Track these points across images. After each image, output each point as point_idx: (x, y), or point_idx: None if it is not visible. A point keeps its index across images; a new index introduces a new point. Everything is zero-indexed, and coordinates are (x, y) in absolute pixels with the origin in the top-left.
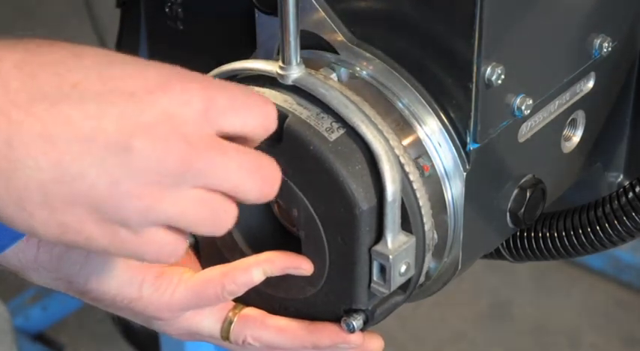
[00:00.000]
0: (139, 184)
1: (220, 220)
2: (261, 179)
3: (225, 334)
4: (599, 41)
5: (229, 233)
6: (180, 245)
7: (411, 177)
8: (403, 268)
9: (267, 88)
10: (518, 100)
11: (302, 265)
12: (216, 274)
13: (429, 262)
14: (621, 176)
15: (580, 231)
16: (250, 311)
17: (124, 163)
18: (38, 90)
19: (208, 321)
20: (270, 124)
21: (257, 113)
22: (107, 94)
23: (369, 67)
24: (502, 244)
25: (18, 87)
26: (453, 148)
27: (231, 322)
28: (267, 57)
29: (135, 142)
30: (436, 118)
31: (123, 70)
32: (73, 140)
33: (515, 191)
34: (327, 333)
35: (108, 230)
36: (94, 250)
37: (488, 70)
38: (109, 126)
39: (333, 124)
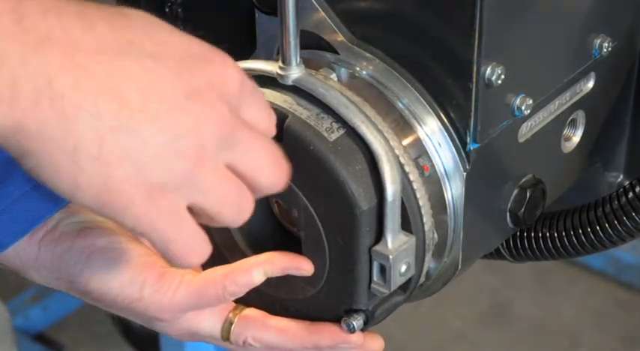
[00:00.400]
0: (186, 145)
1: (242, 206)
2: (277, 166)
3: (226, 335)
4: (599, 41)
5: (229, 234)
6: (206, 244)
7: (411, 177)
8: (403, 268)
9: (267, 88)
10: (518, 100)
11: (303, 266)
12: (217, 275)
13: (429, 262)
14: (621, 176)
15: (580, 231)
16: (251, 312)
17: (176, 122)
18: (99, 40)
19: (209, 321)
20: (273, 128)
21: (268, 110)
22: (160, 55)
23: (369, 67)
24: (502, 244)
25: (79, 35)
26: (453, 148)
27: (231, 323)
28: (267, 57)
29: (187, 103)
30: (436, 118)
31: (169, 36)
32: (133, 93)
33: (515, 191)
34: (327, 333)
35: (149, 197)
36: (125, 220)
37: (488, 70)
38: (166, 84)
39: (333, 124)
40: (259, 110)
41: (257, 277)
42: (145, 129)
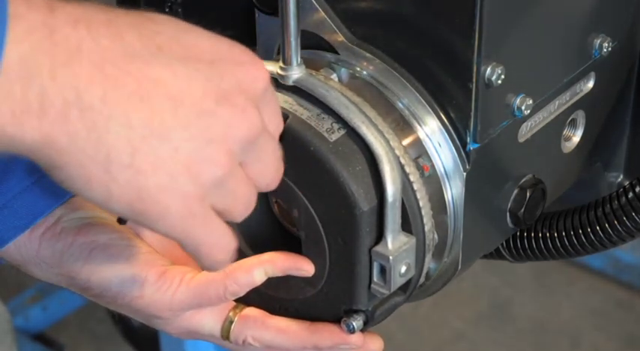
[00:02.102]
0: (218, 151)
1: (251, 204)
2: (278, 168)
3: (226, 334)
4: (599, 41)
5: None
6: (233, 240)
7: (411, 177)
8: (403, 269)
9: None
10: (518, 100)
11: (303, 266)
12: (218, 275)
13: (429, 262)
14: (621, 176)
15: (580, 231)
16: (251, 311)
17: (207, 128)
18: (128, 49)
19: (208, 320)
20: (281, 129)
21: (280, 112)
22: (190, 60)
23: (369, 67)
24: (502, 244)
25: (108, 45)
26: (453, 148)
27: (231, 322)
28: (267, 57)
29: (218, 108)
30: (436, 118)
31: (197, 39)
32: (163, 100)
33: (515, 191)
34: (327, 334)
35: (184, 205)
36: (160, 228)
37: (488, 70)
38: (197, 90)
39: (334, 124)
40: (274, 112)
41: (258, 277)
42: (176, 136)
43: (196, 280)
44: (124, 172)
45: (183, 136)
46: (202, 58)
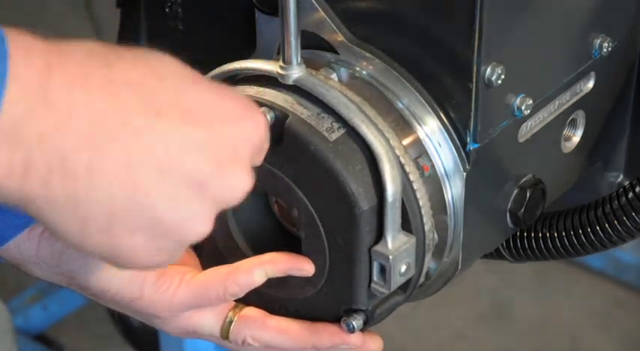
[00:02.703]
0: (204, 217)
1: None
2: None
3: (225, 334)
4: (599, 41)
5: (229, 234)
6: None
7: (411, 177)
8: (403, 268)
9: (267, 88)
10: (518, 100)
11: (304, 266)
12: (218, 276)
13: (429, 262)
14: (621, 176)
15: (580, 231)
16: (250, 311)
17: (196, 199)
18: (123, 115)
19: (208, 320)
20: (264, 147)
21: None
22: (188, 125)
23: (369, 67)
24: (502, 244)
25: (103, 109)
26: (453, 148)
27: (231, 322)
28: (267, 57)
29: (210, 180)
30: (436, 118)
31: (199, 96)
32: (152, 172)
33: (515, 191)
34: (327, 334)
35: (159, 254)
36: (133, 266)
37: (488, 70)
38: (189, 161)
39: (334, 124)
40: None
41: (258, 278)
42: (159, 208)
43: (196, 280)
44: (98, 235)
45: (169, 207)
46: (201, 121)
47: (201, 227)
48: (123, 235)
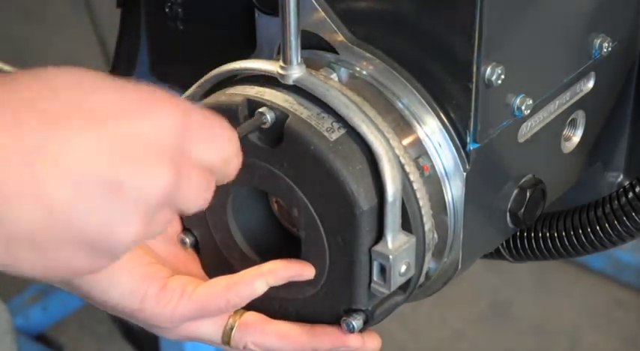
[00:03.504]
0: (129, 218)
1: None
2: (204, 197)
3: (227, 340)
4: (599, 41)
5: (230, 233)
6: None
7: (411, 177)
8: (403, 268)
9: (267, 88)
10: (518, 100)
11: (304, 272)
12: (220, 289)
13: (429, 262)
14: (621, 176)
15: (580, 231)
16: (251, 317)
17: (114, 202)
18: (22, 133)
19: (209, 328)
20: (232, 161)
21: (221, 146)
22: (92, 128)
23: (369, 67)
24: (502, 244)
25: (3, 126)
26: (453, 148)
27: (232, 328)
28: (267, 57)
29: (125, 180)
30: (436, 118)
31: (103, 98)
32: (63, 184)
33: (515, 191)
34: (327, 337)
35: (97, 259)
36: (80, 275)
37: (488, 70)
38: (98, 164)
39: (334, 124)
40: (207, 141)
41: (259, 289)
42: (80, 219)
43: (197, 293)
44: (27, 253)
45: (90, 215)
46: (105, 121)
47: (129, 228)
48: (52, 251)
